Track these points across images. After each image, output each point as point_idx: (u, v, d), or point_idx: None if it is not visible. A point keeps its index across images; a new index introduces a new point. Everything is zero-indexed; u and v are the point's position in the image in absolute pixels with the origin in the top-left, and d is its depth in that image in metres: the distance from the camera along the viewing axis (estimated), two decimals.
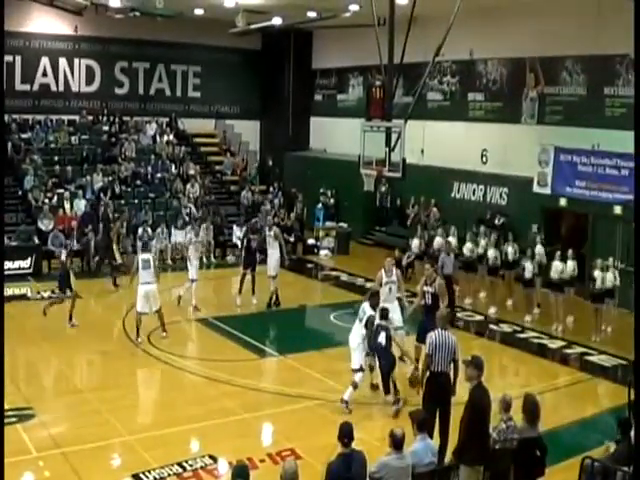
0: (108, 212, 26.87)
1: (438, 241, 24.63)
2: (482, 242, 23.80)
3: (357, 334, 15.28)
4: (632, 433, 10.35)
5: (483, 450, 10.07)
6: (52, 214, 27.70)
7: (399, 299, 17.23)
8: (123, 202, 29.21)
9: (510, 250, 23.07)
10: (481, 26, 27.54)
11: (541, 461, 10.38)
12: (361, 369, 15.15)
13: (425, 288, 16.50)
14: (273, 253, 22.64)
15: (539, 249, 22.40)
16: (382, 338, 14.55)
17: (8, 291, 23.51)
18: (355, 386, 14.96)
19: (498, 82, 28.96)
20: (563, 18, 24.76)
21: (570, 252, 21.13)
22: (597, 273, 20.14)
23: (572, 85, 25.75)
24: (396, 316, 16.60)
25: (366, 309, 15.32)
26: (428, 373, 12.36)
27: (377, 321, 14.85)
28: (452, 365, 12.27)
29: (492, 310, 22.57)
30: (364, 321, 15.16)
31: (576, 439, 13.53)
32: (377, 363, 14.93)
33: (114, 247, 25.51)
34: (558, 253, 21.19)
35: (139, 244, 26.41)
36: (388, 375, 14.79)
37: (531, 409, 10.41)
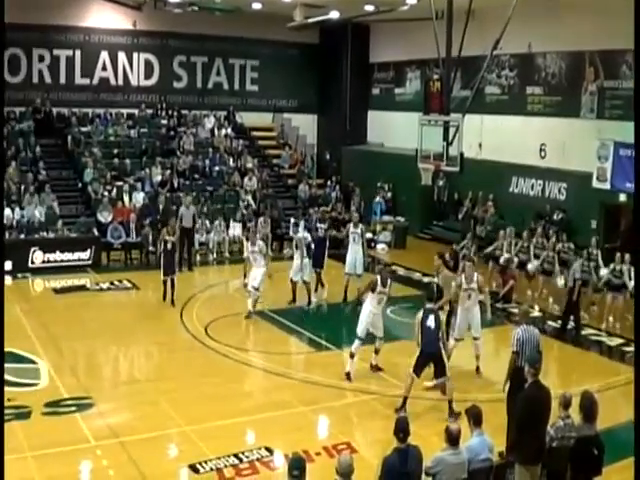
0: (167, 205, 27.18)
1: (504, 258, 24.26)
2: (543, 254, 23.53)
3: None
4: None
5: (537, 449, 9.92)
6: (111, 206, 28.01)
7: (481, 303, 17.07)
8: (182, 194, 29.34)
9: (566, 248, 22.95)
10: (539, 19, 27.23)
11: (598, 460, 10.28)
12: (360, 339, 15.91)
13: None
14: (358, 250, 22.62)
15: (594, 253, 22.15)
16: (431, 322, 14.34)
17: (68, 282, 23.93)
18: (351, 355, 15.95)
19: (557, 76, 28.62)
20: (623, 11, 24.40)
21: (627, 256, 20.89)
22: None
23: (632, 79, 25.34)
24: (475, 323, 16.72)
25: None
26: (515, 368, 12.22)
27: (428, 305, 14.77)
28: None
29: (550, 306, 22.40)
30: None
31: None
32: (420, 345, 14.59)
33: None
34: (618, 255, 20.98)
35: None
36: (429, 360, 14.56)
37: (588, 407, 10.30)
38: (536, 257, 23.52)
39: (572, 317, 20.14)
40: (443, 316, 15.81)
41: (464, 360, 17.34)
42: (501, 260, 23.75)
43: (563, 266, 22.50)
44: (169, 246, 21.78)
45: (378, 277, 16.36)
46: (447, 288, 16.15)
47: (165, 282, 21.61)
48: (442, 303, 16.07)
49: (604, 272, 21.59)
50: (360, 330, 16.06)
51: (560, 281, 22.03)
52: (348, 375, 16.01)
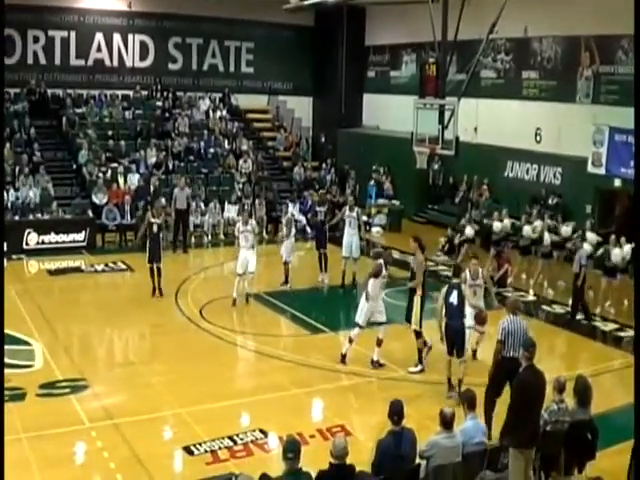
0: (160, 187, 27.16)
1: (497, 226, 24.37)
2: (537, 224, 23.55)
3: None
4: None
5: (531, 434, 9.92)
6: (106, 188, 27.95)
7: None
8: (176, 176, 29.21)
9: (565, 229, 22.92)
10: (536, 3, 27.12)
11: (592, 444, 10.33)
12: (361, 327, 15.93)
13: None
14: (354, 234, 22.56)
15: (590, 236, 22.11)
16: (454, 297, 14.38)
17: (62, 264, 23.92)
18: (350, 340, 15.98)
19: (553, 60, 28.56)
20: None
21: (623, 240, 20.84)
22: None
23: (628, 64, 25.27)
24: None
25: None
26: (499, 357, 12.24)
27: (454, 280, 14.87)
28: None
29: (545, 290, 22.43)
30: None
31: (628, 423, 13.42)
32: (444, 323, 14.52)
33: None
34: (612, 238, 20.95)
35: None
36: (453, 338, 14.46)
37: (582, 391, 10.35)
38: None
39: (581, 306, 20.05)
40: (418, 300, 15.76)
41: None
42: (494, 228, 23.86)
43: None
44: (154, 229, 20.63)
45: (381, 261, 16.28)
46: (419, 271, 16.04)
47: (152, 270, 20.55)
48: (414, 285, 15.96)
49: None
50: (362, 319, 15.91)
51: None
52: (344, 358, 16.02)
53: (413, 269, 16.08)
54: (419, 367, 15.70)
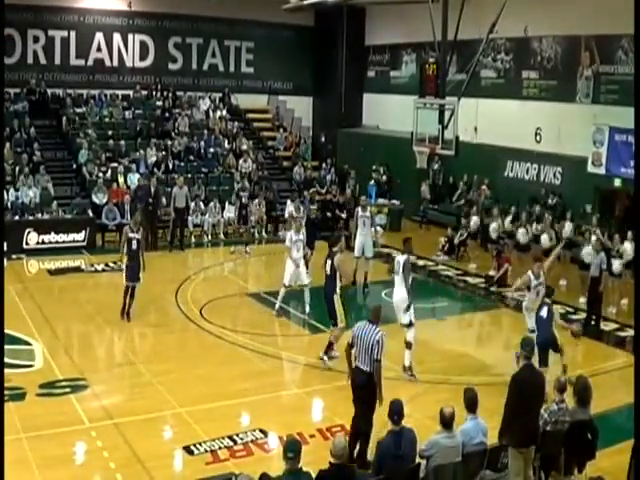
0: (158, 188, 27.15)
1: (494, 227, 24.41)
2: (536, 225, 23.57)
3: (399, 289, 15.48)
4: None
5: (529, 433, 9.93)
6: (106, 188, 27.93)
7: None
8: (176, 176, 29.18)
9: (567, 227, 22.93)
10: (536, 3, 27.10)
11: (592, 444, 10.33)
12: (411, 324, 15.37)
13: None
14: (367, 233, 22.26)
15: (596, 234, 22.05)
16: (544, 312, 14.60)
17: (62, 263, 23.93)
18: (409, 346, 15.27)
19: (553, 60, 28.54)
20: None
21: (629, 234, 20.83)
22: None
23: (628, 64, 25.27)
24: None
25: (399, 259, 15.56)
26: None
27: (546, 299, 15.06)
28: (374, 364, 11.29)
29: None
30: (401, 269, 15.37)
31: (628, 423, 13.43)
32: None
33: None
34: (616, 237, 20.97)
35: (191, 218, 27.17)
36: (543, 349, 14.17)
37: (582, 391, 10.36)
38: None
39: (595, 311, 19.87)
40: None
41: (459, 343, 17.47)
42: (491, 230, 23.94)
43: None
44: (133, 245, 18.61)
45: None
46: (341, 268, 15.92)
47: (126, 290, 18.59)
48: (344, 283, 15.92)
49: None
50: (407, 318, 15.46)
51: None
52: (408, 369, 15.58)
53: (334, 267, 15.88)
54: (328, 357, 15.74)
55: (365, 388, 11.29)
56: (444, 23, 25.04)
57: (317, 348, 16.62)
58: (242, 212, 27.64)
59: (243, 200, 27.80)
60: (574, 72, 27.40)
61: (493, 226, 24.46)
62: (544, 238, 22.86)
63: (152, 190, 26.77)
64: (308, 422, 13.45)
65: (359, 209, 22.60)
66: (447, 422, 9.63)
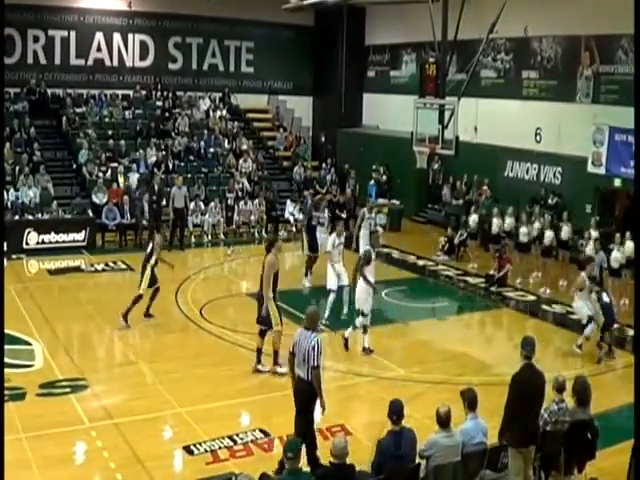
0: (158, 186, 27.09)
1: (496, 222, 24.43)
2: (536, 224, 23.57)
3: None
4: None
5: (529, 432, 9.91)
6: (106, 188, 27.93)
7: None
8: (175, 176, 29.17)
9: (565, 229, 22.92)
10: (536, 3, 27.09)
11: (592, 444, 10.33)
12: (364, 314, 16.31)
13: None
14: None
15: (594, 234, 22.03)
16: (606, 297, 16.89)
17: (62, 263, 23.93)
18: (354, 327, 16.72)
19: (553, 60, 28.53)
20: None
21: (628, 234, 20.82)
22: None
23: (628, 64, 25.26)
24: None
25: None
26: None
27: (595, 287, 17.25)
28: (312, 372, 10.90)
29: (545, 290, 22.39)
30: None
31: (628, 423, 13.42)
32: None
33: None
34: (617, 235, 20.97)
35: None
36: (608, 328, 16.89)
37: (582, 391, 10.35)
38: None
39: None
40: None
41: (459, 343, 17.47)
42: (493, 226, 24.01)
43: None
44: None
45: (370, 248, 16.71)
46: (266, 271, 15.71)
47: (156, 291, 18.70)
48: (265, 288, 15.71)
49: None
50: (368, 307, 16.46)
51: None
52: (368, 349, 16.55)
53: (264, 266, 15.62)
54: (267, 367, 15.50)
55: (304, 396, 10.96)
56: (444, 23, 25.04)
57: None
58: (228, 214, 27.58)
59: (229, 202, 27.78)
60: (574, 72, 27.39)
61: (495, 222, 24.42)
62: (548, 235, 22.81)
63: (156, 188, 26.76)
64: None
65: (365, 211, 22.53)
66: (443, 421, 9.63)
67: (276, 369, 15.26)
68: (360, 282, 16.48)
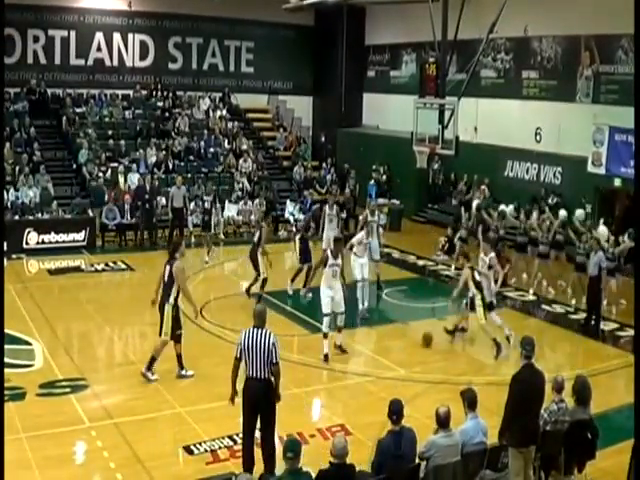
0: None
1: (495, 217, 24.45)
2: (534, 222, 23.56)
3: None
4: None
5: (530, 432, 9.91)
6: (106, 188, 27.93)
7: None
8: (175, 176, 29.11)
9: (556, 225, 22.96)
10: (536, 3, 27.14)
11: (592, 444, 10.33)
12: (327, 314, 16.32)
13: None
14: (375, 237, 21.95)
15: (602, 230, 21.93)
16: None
17: (62, 263, 23.93)
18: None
19: (553, 60, 28.53)
20: None
21: (630, 231, 20.79)
22: None
23: (628, 64, 25.24)
24: None
25: None
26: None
27: None
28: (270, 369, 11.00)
29: (544, 290, 22.39)
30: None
31: (628, 423, 13.42)
32: None
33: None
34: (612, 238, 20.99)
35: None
36: None
37: (581, 391, 10.35)
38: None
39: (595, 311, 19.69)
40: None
41: (459, 343, 17.47)
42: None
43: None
44: None
45: (328, 251, 16.65)
46: (179, 277, 15.47)
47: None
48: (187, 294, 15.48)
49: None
50: (325, 308, 16.42)
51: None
52: (326, 357, 16.17)
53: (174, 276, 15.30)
54: (189, 372, 15.32)
55: (265, 397, 10.96)
56: (444, 23, 25.01)
57: (317, 348, 16.60)
58: (205, 217, 26.73)
59: (206, 205, 27.19)
60: (574, 72, 27.39)
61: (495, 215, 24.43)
62: (557, 222, 22.77)
63: (147, 188, 26.76)
64: (308, 422, 13.45)
65: (367, 213, 22.42)
66: (443, 421, 9.62)
67: (147, 374, 14.97)
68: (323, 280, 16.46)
